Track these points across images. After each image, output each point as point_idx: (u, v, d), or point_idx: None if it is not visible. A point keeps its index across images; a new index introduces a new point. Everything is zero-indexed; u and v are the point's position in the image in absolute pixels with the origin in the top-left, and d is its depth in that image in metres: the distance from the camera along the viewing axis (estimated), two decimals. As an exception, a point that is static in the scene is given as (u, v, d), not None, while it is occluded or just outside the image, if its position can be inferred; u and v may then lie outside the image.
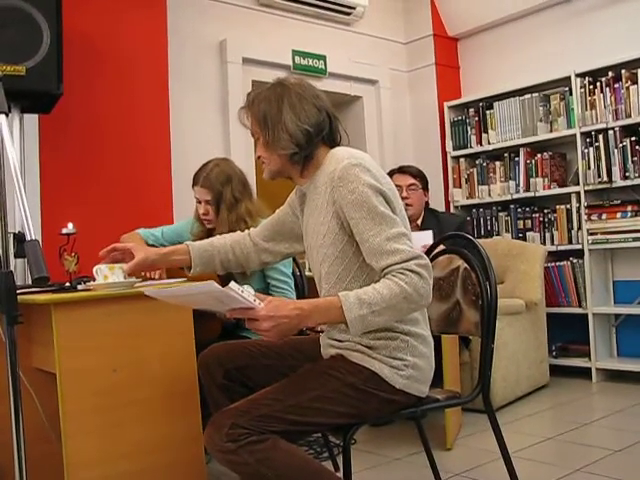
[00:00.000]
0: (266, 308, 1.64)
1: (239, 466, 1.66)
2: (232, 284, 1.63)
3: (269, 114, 1.87)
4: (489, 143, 4.99)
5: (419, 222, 3.88)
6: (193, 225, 3.10)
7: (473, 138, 5.09)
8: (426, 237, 3.31)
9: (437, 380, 2.01)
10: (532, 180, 4.75)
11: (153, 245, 3.00)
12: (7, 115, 1.64)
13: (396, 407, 1.88)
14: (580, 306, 4.49)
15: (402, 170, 3.93)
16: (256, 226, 2.30)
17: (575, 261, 4.50)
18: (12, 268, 1.66)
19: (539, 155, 4.72)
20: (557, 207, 4.63)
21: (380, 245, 1.74)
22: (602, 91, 4.36)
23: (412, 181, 3.88)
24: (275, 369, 2.04)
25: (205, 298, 1.73)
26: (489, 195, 5.00)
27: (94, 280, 2.11)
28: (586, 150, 4.41)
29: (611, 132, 4.28)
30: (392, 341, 1.84)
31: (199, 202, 3.00)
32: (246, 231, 2.27)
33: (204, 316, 2.80)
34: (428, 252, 2.30)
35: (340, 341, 1.91)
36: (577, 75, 4.45)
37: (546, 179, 4.69)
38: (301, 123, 1.86)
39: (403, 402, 1.87)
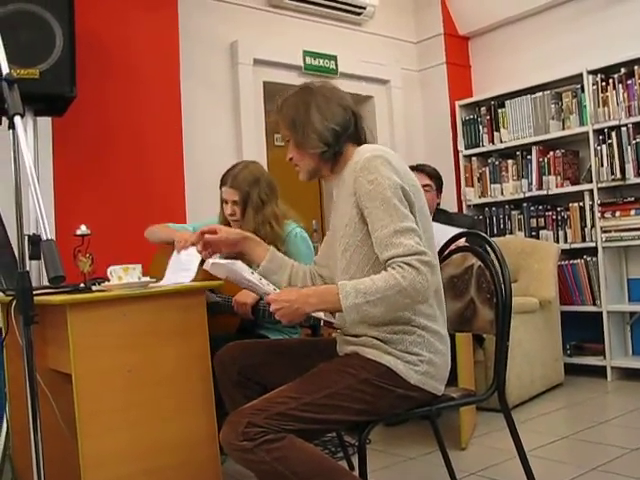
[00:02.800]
0: (275, 293, 1.85)
1: (255, 465, 1.68)
2: (240, 263, 1.93)
3: (297, 117, 1.96)
4: (501, 142, 4.98)
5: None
6: None
7: (485, 137, 5.07)
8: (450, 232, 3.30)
9: (451, 379, 2.00)
10: (545, 178, 4.73)
11: None
12: (22, 116, 1.65)
13: (411, 404, 1.88)
14: (594, 304, 4.46)
15: (419, 169, 3.91)
16: (281, 228, 2.83)
17: (589, 259, 4.47)
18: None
19: (551, 153, 4.70)
20: (570, 205, 4.60)
21: (386, 237, 1.77)
22: (615, 88, 4.33)
23: (427, 182, 3.88)
24: (290, 368, 2.04)
25: (235, 277, 1.98)
26: (502, 194, 4.98)
27: (108, 281, 2.13)
28: (599, 147, 4.39)
29: (624, 129, 4.26)
30: (409, 335, 1.85)
31: (225, 202, 2.97)
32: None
33: (222, 311, 2.82)
34: (442, 249, 2.30)
35: (356, 336, 1.92)
36: (589, 72, 4.43)
37: (559, 177, 4.66)
38: (328, 122, 1.94)
39: (418, 399, 1.88)
